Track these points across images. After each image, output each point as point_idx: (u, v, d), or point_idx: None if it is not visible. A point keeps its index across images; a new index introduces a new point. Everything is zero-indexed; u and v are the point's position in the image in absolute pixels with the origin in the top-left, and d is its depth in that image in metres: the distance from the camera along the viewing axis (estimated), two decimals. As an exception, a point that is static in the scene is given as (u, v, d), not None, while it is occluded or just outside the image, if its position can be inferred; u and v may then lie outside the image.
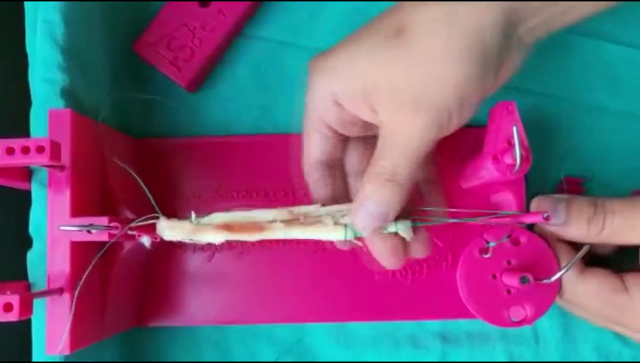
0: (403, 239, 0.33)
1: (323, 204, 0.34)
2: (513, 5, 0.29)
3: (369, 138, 0.35)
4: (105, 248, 0.32)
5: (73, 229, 0.30)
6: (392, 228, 0.32)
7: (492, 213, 0.34)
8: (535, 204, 0.37)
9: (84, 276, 0.30)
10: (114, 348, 0.39)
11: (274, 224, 0.32)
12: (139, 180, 0.33)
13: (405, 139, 0.30)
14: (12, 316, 0.26)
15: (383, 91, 0.30)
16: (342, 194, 0.35)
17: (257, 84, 0.43)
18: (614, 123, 0.42)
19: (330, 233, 0.32)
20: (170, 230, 0.31)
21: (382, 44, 0.30)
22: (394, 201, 0.31)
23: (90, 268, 0.31)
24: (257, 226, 0.31)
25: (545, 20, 0.31)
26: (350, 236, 0.32)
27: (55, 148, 0.28)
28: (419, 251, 0.34)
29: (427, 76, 0.29)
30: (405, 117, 0.30)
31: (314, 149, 0.34)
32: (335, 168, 0.35)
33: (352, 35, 0.33)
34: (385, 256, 0.34)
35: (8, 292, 0.27)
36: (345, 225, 0.32)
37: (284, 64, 0.43)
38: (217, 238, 0.31)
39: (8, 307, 0.26)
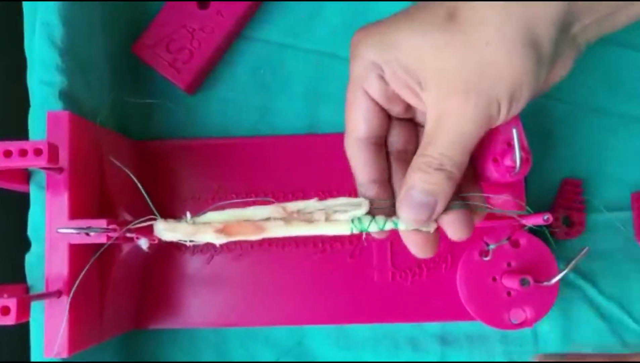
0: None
1: (361, 184, 0.32)
2: (570, 2, 0.29)
3: (414, 120, 0.34)
4: (102, 249, 0.31)
5: (71, 231, 0.30)
6: (389, 225, 0.31)
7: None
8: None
9: (79, 278, 0.30)
10: (112, 350, 0.39)
11: (274, 223, 0.31)
12: (137, 182, 0.33)
13: (455, 126, 0.29)
14: (9, 320, 0.26)
15: (432, 73, 0.30)
16: (384, 178, 0.33)
17: (256, 86, 0.43)
18: (614, 125, 0.42)
19: (334, 228, 0.31)
20: (169, 231, 0.31)
21: (435, 26, 0.29)
22: (442, 191, 0.30)
23: (85, 270, 0.31)
24: (257, 226, 0.31)
25: (598, 20, 0.31)
26: (356, 231, 0.31)
27: (53, 151, 0.28)
28: (457, 233, 0.32)
29: (481, 63, 0.28)
30: (456, 103, 0.29)
31: (358, 123, 0.32)
32: (380, 147, 0.33)
33: (402, 11, 0.31)
34: (419, 246, 0.32)
35: (5, 295, 0.26)
36: (352, 220, 0.31)
37: (283, 66, 0.43)
38: (218, 238, 0.31)
39: (5, 311, 0.26)
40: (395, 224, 0.31)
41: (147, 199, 0.32)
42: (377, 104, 0.32)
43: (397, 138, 0.34)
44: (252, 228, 0.31)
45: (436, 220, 0.31)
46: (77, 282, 0.30)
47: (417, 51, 0.30)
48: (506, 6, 0.28)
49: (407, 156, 0.33)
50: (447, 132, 0.30)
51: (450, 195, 0.31)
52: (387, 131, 0.34)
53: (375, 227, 0.31)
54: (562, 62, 0.31)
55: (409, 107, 0.33)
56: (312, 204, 0.32)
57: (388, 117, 0.33)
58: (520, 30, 0.28)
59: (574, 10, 0.29)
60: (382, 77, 0.31)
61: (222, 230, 0.31)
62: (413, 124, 0.34)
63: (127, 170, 0.34)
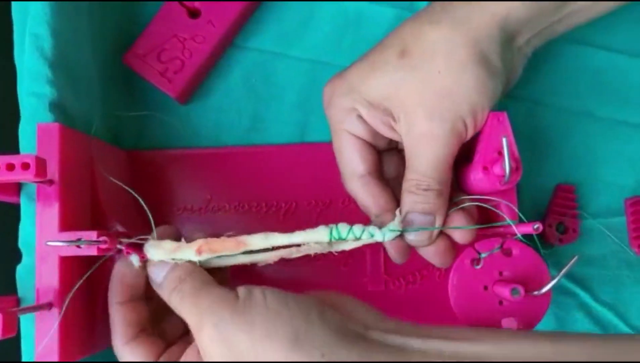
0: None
1: (377, 215, 0.34)
2: (506, 21, 0.32)
3: (398, 148, 0.37)
4: (96, 266, 0.31)
5: (60, 244, 0.30)
6: (378, 236, 0.32)
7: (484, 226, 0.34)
8: None
9: (71, 293, 0.30)
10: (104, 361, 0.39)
11: (254, 236, 0.32)
12: (136, 195, 0.33)
13: (428, 150, 0.32)
14: (-5, 335, 0.26)
15: (399, 107, 0.33)
16: (394, 205, 0.35)
17: (248, 95, 0.43)
18: (605, 130, 0.42)
19: (313, 236, 0.33)
20: (153, 248, 0.31)
21: (391, 65, 0.33)
22: (436, 207, 0.33)
23: (76, 286, 0.31)
24: (238, 241, 0.31)
25: (537, 33, 0.34)
26: (335, 238, 0.32)
27: (41, 165, 0.28)
28: (465, 237, 0.34)
29: (438, 91, 0.32)
30: (424, 129, 0.32)
31: (356, 161, 0.35)
32: (380, 179, 0.36)
33: (364, 56, 0.35)
34: (440, 257, 0.34)
35: (-7, 310, 0.26)
36: (330, 229, 0.32)
37: (274, 75, 0.43)
38: (201, 256, 0.31)
39: (-9, 326, 0.26)
40: (372, 234, 0.32)
41: (147, 211, 0.32)
42: (364, 141, 0.35)
43: (389, 167, 0.37)
44: (233, 243, 0.31)
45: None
46: (69, 297, 0.30)
47: (382, 90, 0.33)
48: (449, 35, 0.32)
49: (401, 180, 0.35)
50: (423, 156, 0.33)
51: (445, 208, 0.33)
52: (380, 162, 0.36)
53: (352, 235, 0.32)
54: (513, 71, 0.35)
55: (391, 139, 0.35)
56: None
57: (377, 151, 0.36)
58: (467, 53, 0.32)
59: (512, 29, 0.33)
60: (361, 117, 0.34)
61: (204, 247, 0.31)
62: (398, 151, 0.37)
63: (120, 183, 0.34)
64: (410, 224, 0.33)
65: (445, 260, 0.35)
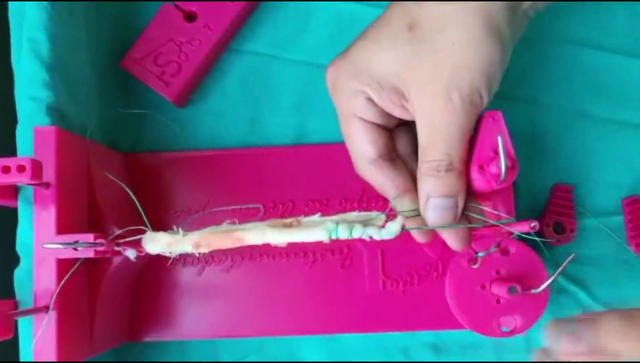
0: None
1: (394, 198, 0.33)
2: None
3: (409, 123, 0.35)
4: (81, 260, 0.31)
5: (57, 247, 0.30)
6: (377, 237, 0.32)
7: (480, 222, 0.34)
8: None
9: (56, 293, 0.30)
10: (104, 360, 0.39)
11: (251, 232, 0.31)
12: (131, 193, 0.33)
13: (448, 124, 0.31)
14: (-9, 338, 0.26)
15: (412, 84, 0.31)
16: (412, 185, 0.34)
17: (246, 98, 0.43)
18: (602, 130, 0.42)
19: (312, 235, 0.31)
20: (150, 241, 0.31)
21: (400, 40, 0.31)
22: (458, 189, 0.32)
23: (61, 284, 0.31)
24: (235, 237, 0.31)
25: None
26: (334, 236, 0.31)
27: (37, 167, 0.28)
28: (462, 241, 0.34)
29: (453, 63, 0.30)
30: (441, 104, 0.31)
31: (366, 147, 0.34)
32: (394, 160, 0.35)
33: (365, 34, 0.33)
34: (460, 240, 0.33)
35: (-12, 313, 0.26)
36: (331, 232, 0.32)
37: (271, 77, 0.43)
38: (198, 249, 0.31)
39: (-14, 328, 0.26)
40: (371, 236, 0.31)
41: (142, 211, 0.32)
42: (374, 124, 0.33)
43: (402, 144, 0.35)
44: (230, 239, 0.31)
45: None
46: (53, 298, 0.30)
47: (391, 68, 0.31)
48: (459, 5, 0.30)
49: (416, 155, 0.34)
50: (443, 132, 0.31)
51: (465, 189, 0.32)
52: (393, 140, 0.35)
53: (353, 235, 0.31)
54: (518, 35, 0.33)
55: (405, 112, 0.33)
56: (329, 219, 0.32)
57: (388, 131, 0.35)
58: (479, 23, 0.30)
59: None
60: (370, 100, 0.33)
61: (200, 241, 0.31)
62: (409, 126, 0.35)
63: (119, 182, 0.34)
64: (431, 209, 0.32)
65: (465, 242, 0.33)
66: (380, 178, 0.34)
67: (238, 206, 0.39)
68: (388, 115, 0.34)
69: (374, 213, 0.32)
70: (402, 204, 0.33)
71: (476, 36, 0.30)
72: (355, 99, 0.33)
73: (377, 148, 0.34)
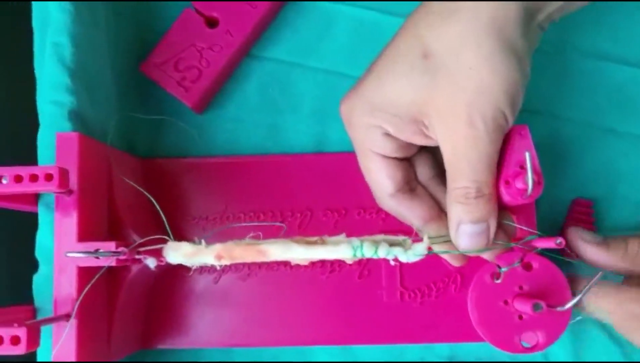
0: None
1: (419, 229, 0.34)
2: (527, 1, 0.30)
3: (432, 147, 0.35)
4: (104, 269, 0.31)
5: (79, 255, 0.30)
6: (403, 258, 0.31)
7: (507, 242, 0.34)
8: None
9: (78, 301, 0.30)
10: None
11: (274, 247, 0.31)
12: (152, 199, 0.33)
13: (473, 150, 0.30)
14: (20, 350, 0.26)
15: (432, 113, 0.30)
16: (437, 212, 0.34)
17: (265, 105, 0.43)
18: (624, 146, 0.42)
19: (335, 253, 0.31)
20: (172, 250, 0.31)
21: (416, 71, 0.30)
22: (489, 214, 0.31)
23: (84, 292, 0.30)
24: (259, 251, 0.31)
25: (559, 8, 0.32)
26: (359, 255, 0.31)
27: (64, 176, 0.28)
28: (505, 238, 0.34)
29: (473, 87, 0.29)
30: (465, 130, 0.30)
31: (385, 182, 0.34)
32: (414, 190, 0.34)
33: (377, 65, 0.32)
34: (489, 257, 0.34)
35: (15, 324, 0.26)
36: (355, 249, 0.31)
37: (291, 85, 0.43)
38: (220, 261, 0.31)
39: (15, 340, 0.26)
40: (396, 255, 0.31)
41: (164, 219, 0.32)
42: (392, 158, 0.33)
43: (423, 170, 0.35)
44: (253, 252, 0.30)
45: None
46: (77, 305, 0.30)
47: (410, 98, 0.31)
48: (471, 26, 0.29)
49: (439, 178, 0.34)
50: (470, 158, 0.30)
51: (496, 213, 0.32)
52: (413, 172, 0.35)
53: (379, 254, 0.31)
54: (533, 47, 0.32)
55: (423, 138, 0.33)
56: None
57: (407, 161, 0.34)
58: (493, 41, 0.29)
59: (532, 7, 0.31)
60: (387, 134, 0.32)
61: (223, 253, 0.30)
62: (429, 150, 0.35)
63: (141, 189, 0.33)
64: (462, 235, 0.32)
65: (491, 256, 0.34)
66: (402, 211, 0.34)
67: (261, 223, 0.38)
68: (407, 146, 0.33)
69: (400, 237, 0.32)
70: (428, 233, 0.33)
71: (492, 55, 0.29)
72: (372, 134, 0.33)
73: (395, 183, 0.34)
